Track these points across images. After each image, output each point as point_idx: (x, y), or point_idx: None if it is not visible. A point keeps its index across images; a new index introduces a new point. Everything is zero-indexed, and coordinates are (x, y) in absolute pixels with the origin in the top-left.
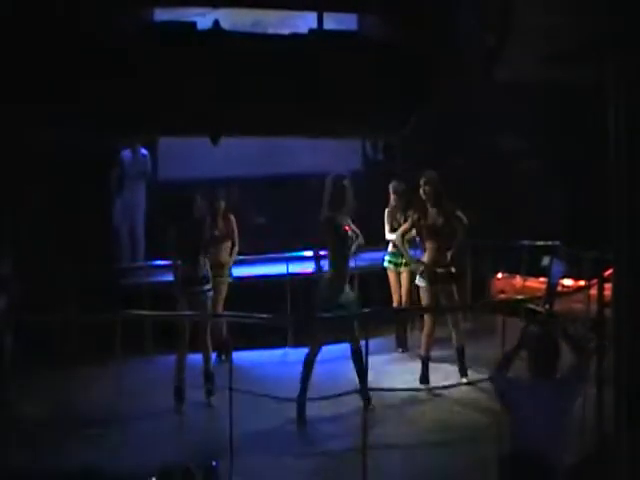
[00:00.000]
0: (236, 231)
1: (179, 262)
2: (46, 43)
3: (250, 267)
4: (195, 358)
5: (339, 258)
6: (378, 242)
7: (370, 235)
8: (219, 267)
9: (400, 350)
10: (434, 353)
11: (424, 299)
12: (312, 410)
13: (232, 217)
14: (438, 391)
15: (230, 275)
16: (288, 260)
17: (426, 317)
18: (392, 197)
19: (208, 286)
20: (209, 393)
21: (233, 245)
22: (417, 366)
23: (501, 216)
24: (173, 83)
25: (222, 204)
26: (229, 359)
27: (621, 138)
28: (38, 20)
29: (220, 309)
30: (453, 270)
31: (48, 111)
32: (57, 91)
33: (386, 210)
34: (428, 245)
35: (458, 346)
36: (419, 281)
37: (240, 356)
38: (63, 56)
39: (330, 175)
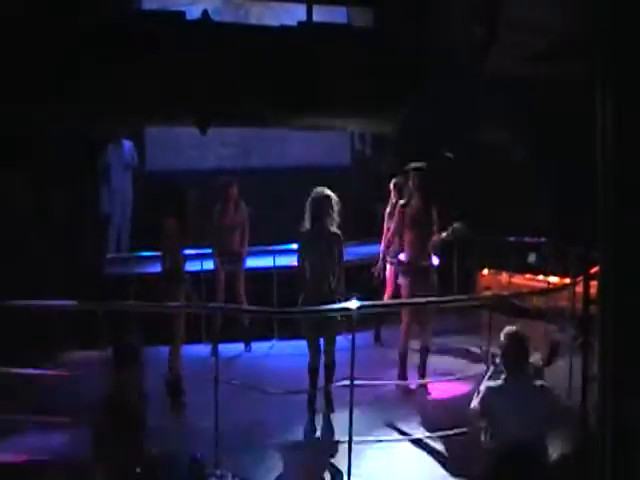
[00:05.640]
0: (247, 220)
1: (162, 255)
2: (34, 34)
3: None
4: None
5: (332, 268)
6: (364, 237)
7: (356, 229)
8: (231, 256)
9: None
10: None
11: (403, 294)
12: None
13: (244, 205)
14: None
15: (243, 265)
16: (275, 253)
17: (403, 313)
18: (393, 193)
19: (185, 278)
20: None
21: (243, 234)
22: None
23: (487, 211)
24: (161, 72)
25: (235, 190)
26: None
27: (607, 134)
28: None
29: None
30: (433, 264)
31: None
32: (44, 82)
33: (387, 209)
34: (408, 237)
35: (423, 345)
36: (400, 277)
37: (226, 348)
38: (50, 45)
39: (321, 190)
